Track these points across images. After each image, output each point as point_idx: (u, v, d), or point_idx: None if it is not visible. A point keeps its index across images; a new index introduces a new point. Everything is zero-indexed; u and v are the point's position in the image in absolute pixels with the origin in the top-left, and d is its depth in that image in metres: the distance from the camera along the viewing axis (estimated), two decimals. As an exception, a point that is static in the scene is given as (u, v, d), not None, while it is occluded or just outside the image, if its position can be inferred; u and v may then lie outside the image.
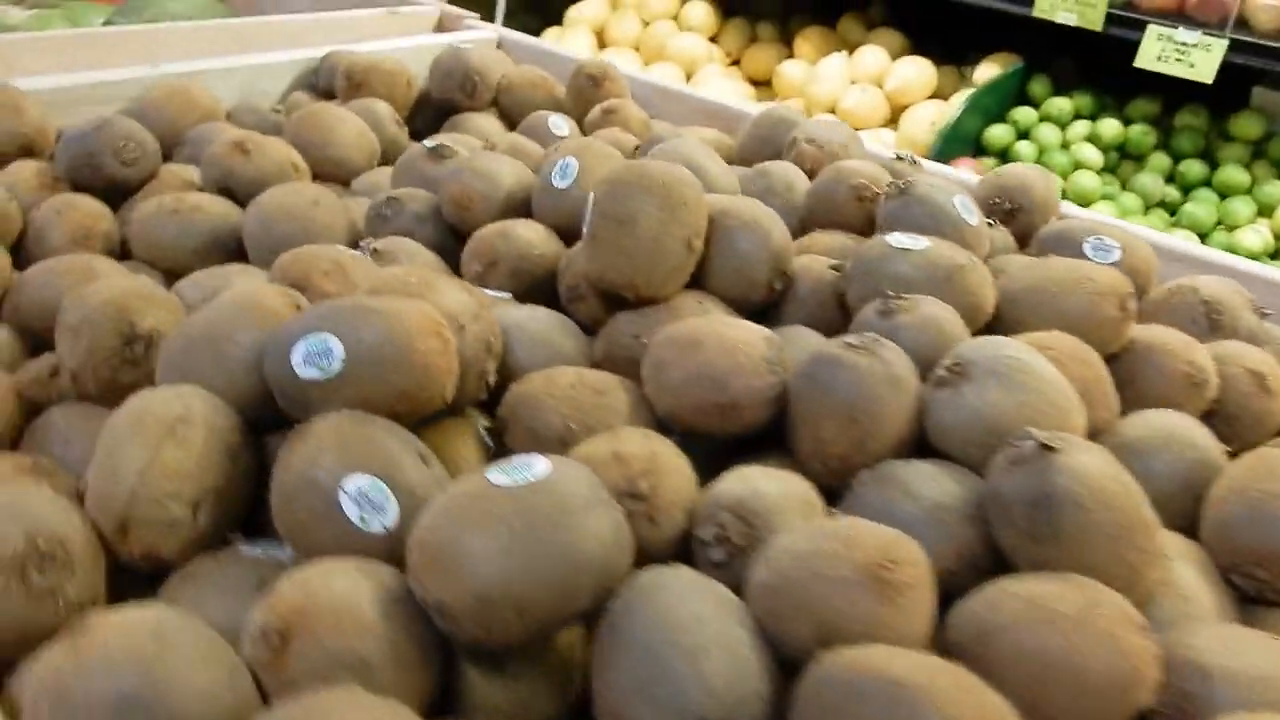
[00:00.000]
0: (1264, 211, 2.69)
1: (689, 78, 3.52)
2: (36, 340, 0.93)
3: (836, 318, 0.95)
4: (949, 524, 0.70)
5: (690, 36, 3.58)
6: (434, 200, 1.08)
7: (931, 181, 1.02)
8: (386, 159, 1.33)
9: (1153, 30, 2.73)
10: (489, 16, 3.53)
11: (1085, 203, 2.80)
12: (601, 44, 3.70)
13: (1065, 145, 2.95)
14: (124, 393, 0.80)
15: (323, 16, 1.72)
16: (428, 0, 1.88)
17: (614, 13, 3.71)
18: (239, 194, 1.12)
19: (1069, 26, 2.88)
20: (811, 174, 1.19)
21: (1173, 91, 2.94)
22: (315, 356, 0.66)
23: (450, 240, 1.07)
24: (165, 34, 1.57)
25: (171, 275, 1.05)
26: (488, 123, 1.45)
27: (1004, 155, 2.99)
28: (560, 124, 1.37)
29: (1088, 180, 2.83)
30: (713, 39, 3.71)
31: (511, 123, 1.48)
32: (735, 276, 0.92)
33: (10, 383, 0.82)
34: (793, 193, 1.15)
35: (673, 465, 0.70)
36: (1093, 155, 2.91)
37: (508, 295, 0.95)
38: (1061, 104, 2.98)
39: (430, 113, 1.49)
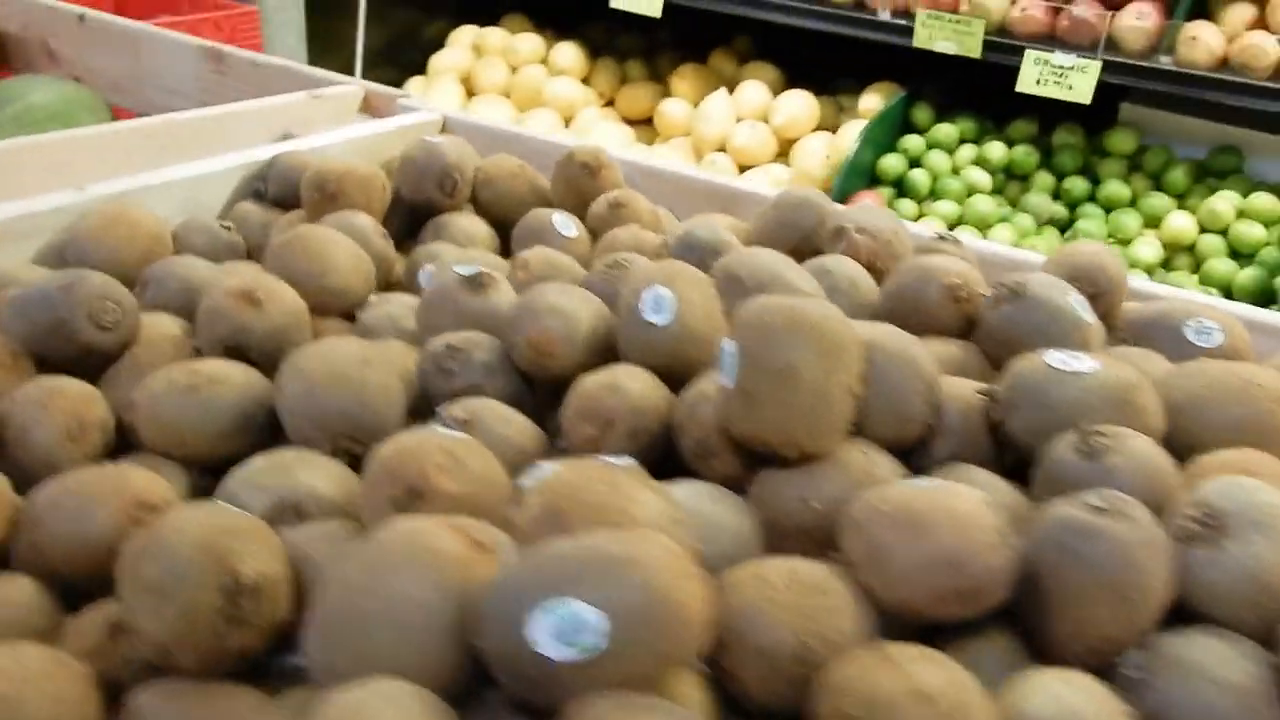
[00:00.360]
0: (1149, 223, 2.79)
1: (568, 123, 3.42)
2: (62, 581, 0.74)
3: (988, 448, 0.86)
4: (1260, 710, 0.63)
5: (564, 80, 3.49)
6: (499, 345, 0.94)
7: (1043, 280, 0.95)
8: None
9: (1030, 55, 2.81)
10: (347, 69, 3.34)
11: (984, 227, 2.85)
12: (469, 93, 3.56)
13: (956, 170, 2.99)
14: (230, 660, 0.64)
15: (244, 107, 1.53)
16: (349, 79, 1.70)
17: (479, 60, 3.57)
18: (251, 353, 0.95)
19: (947, 55, 2.93)
20: (869, 268, 1.11)
21: (1045, 111, 3.03)
22: (568, 631, 0.52)
23: (522, 390, 0.93)
24: (66, 145, 1.36)
25: (191, 465, 0.88)
26: (473, 224, 1.31)
27: (898, 185, 3.02)
28: (566, 224, 1.24)
29: (984, 204, 2.88)
30: (584, 80, 3.62)
31: (493, 220, 1.34)
32: (892, 415, 0.83)
33: (86, 674, 0.63)
34: (858, 290, 1.07)
35: (976, 693, 0.60)
36: (983, 178, 2.97)
37: (632, 462, 0.82)
38: (948, 130, 3.03)
39: (403, 215, 1.33)
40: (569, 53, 3.53)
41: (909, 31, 2.93)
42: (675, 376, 0.90)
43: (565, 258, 1.11)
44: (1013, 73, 2.82)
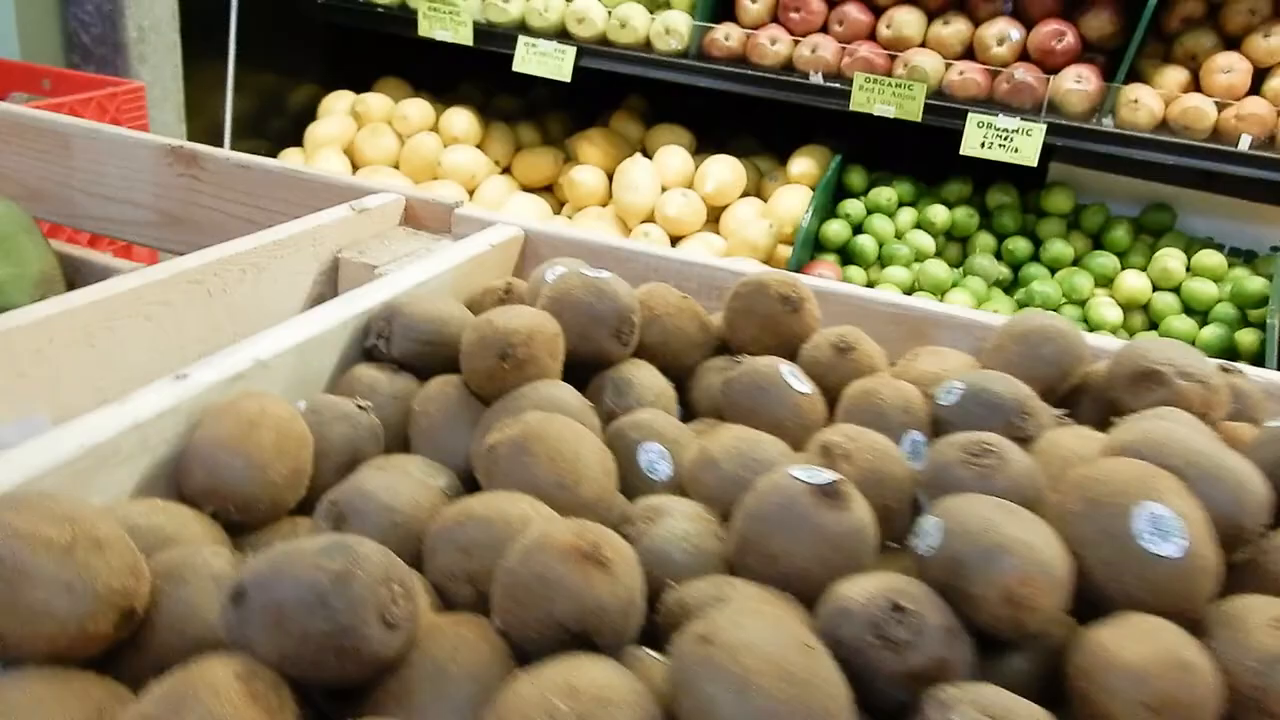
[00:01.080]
0: (1099, 283, 2.79)
1: (472, 194, 3.13)
2: None
3: None
4: None
5: (463, 149, 3.20)
6: (936, 596, 0.69)
7: None
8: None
9: (973, 118, 2.77)
10: (214, 141, 2.92)
11: (939, 292, 2.78)
12: (354, 165, 3.21)
13: (899, 234, 2.92)
14: None
15: (288, 231, 1.20)
16: (384, 186, 1.39)
17: (364, 129, 3.22)
18: (600, 638, 0.66)
19: (869, 116, 2.86)
20: (1206, 419, 0.94)
21: (975, 171, 3.01)
22: None
23: (973, 656, 0.69)
24: (94, 308, 0.99)
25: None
26: (654, 379, 1.05)
27: (843, 251, 2.91)
28: (798, 378, 1.00)
29: (938, 270, 2.80)
30: (477, 147, 3.33)
31: (659, 365, 1.09)
32: None
33: None
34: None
35: None
36: (928, 242, 2.90)
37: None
38: (888, 193, 2.95)
39: (564, 370, 1.05)
40: (463, 119, 3.24)
41: (842, 94, 2.84)
42: (1189, 621, 0.69)
43: (884, 440, 0.87)
44: (948, 134, 2.77)
